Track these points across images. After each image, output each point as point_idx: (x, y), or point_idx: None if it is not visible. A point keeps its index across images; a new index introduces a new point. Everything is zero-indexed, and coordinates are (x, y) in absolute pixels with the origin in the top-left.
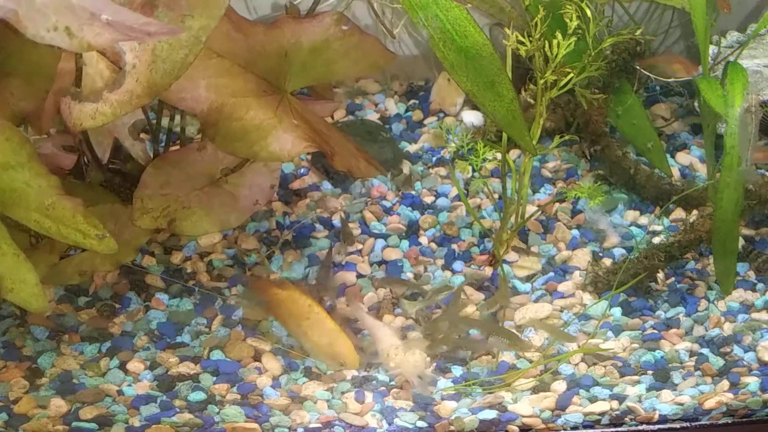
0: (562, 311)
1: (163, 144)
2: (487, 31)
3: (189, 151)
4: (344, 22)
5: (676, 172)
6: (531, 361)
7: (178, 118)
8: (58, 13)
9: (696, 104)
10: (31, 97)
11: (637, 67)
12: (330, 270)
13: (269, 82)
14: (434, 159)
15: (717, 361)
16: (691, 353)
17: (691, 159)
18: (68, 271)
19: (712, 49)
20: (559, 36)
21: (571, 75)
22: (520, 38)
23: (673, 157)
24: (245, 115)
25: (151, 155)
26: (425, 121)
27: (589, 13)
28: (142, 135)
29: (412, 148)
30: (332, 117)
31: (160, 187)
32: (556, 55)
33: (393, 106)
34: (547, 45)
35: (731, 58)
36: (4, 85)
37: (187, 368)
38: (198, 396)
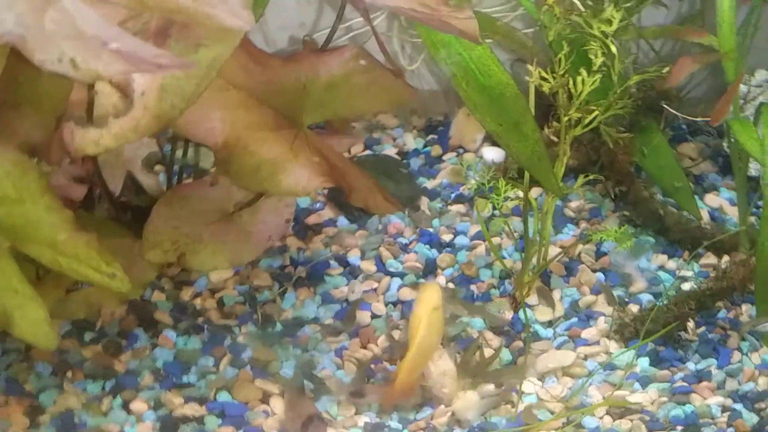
0: (586, 359)
1: (176, 177)
2: (508, 67)
3: (201, 185)
4: (363, 56)
5: (705, 215)
6: (553, 413)
7: (191, 151)
8: (67, 40)
9: (725, 144)
10: (42, 127)
11: (664, 105)
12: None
13: (286, 116)
14: (453, 196)
15: (751, 418)
16: (724, 408)
17: (720, 201)
18: (74, 305)
19: (741, 89)
20: (584, 73)
21: (596, 113)
22: (544, 75)
23: (701, 199)
24: (260, 148)
25: (165, 189)
26: (444, 157)
27: (614, 49)
28: (156, 168)
29: (430, 184)
30: (349, 152)
31: (170, 220)
32: (581, 93)
33: (411, 141)
34: (571, 82)
35: (761, 99)
36: (14, 115)
37: (192, 410)
38: None
